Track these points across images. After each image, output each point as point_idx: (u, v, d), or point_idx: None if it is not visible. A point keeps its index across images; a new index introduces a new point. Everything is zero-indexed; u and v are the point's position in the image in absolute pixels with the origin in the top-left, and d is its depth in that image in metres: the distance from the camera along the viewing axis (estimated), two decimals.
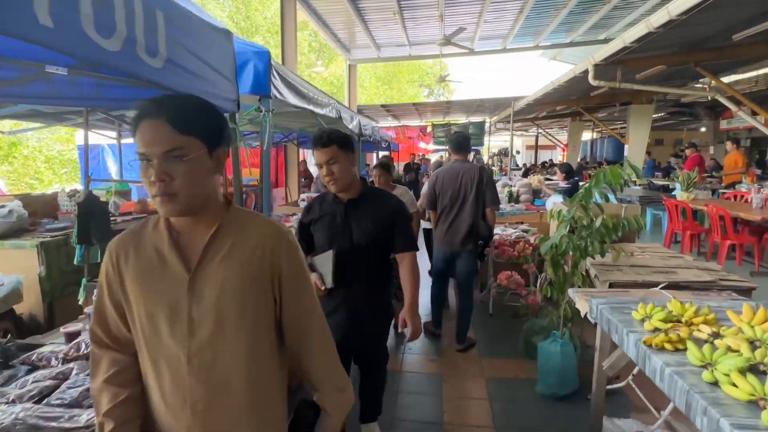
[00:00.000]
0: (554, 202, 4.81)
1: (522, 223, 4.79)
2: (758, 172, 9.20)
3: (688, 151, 10.50)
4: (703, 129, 20.44)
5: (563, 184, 5.61)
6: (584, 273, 2.96)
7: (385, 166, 3.98)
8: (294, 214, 5.11)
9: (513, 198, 5.38)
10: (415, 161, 13.08)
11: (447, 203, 3.56)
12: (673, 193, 8.16)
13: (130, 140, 7.01)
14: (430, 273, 3.97)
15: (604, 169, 2.64)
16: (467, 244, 3.52)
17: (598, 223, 2.64)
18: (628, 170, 2.65)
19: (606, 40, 11.93)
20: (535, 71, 64.85)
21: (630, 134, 11.98)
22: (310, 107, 2.67)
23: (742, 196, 6.81)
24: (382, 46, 12.61)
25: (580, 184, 5.78)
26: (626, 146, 12.13)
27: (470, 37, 11.94)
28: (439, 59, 12.81)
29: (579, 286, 2.80)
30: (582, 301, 2.37)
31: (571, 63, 15.13)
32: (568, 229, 2.80)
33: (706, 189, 7.08)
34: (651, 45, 6.41)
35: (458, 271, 3.63)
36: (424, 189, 4.04)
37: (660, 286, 2.62)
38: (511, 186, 5.55)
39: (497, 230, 4.40)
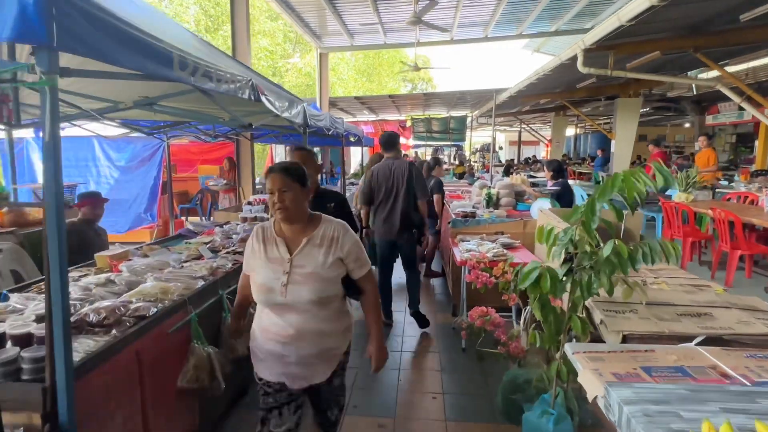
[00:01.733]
0: (540, 208, 4.01)
1: (502, 233, 3.96)
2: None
3: (650, 148, 9.95)
4: (687, 125, 20.08)
5: (551, 185, 4.83)
6: (584, 313, 2.15)
7: (294, 171, 1.74)
8: (227, 223, 4.17)
9: (492, 202, 4.55)
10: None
11: (383, 197, 3.92)
12: (667, 192, 7.48)
13: (28, 133, 5.99)
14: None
15: (618, 174, 1.82)
16: (404, 231, 3.91)
17: (607, 251, 1.82)
18: (637, 172, 1.82)
19: (592, 28, 11.24)
20: (519, 65, 63.90)
21: (617, 129, 11.36)
22: (182, 76, 1.76)
23: (746, 197, 6.14)
24: (355, 33, 11.68)
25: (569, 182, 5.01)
26: (612, 141, 11.49)
27: (449, 24, 11.11)
28: (416, 48, 11.93)
29: (576, 337, 1.99)
30: (589, 376, 1.54)
31: (553, 54, 14.43)
32: (563, 256, 1.98)
33: (708, 188, 6.38)
34: (648, 27, 5.66)
35: (402, 254, 4.04)
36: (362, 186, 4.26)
37: (696, 342, 1.82)
38: (489, 188, 4.72)
39: (471, 245, 3.57)
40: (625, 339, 1.92)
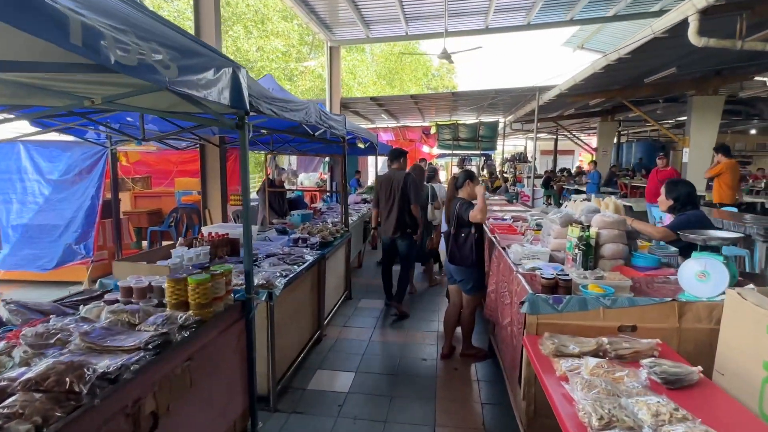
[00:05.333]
0: (703, 273, 2.01)
1: (633, 329, 1.93)
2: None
3: (660, 163, 7.98)
4: (753, 131, 17.53)
5: (668, 220, 2.81)
6: None
7: None
8: (101, 296, 2.32)
9: (588, 257, 2.44)
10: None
11: (384, 202, 4.75)
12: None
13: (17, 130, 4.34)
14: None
15: None
16: (398, 231, 4.65)
17: None
18: None
19: (661, 12, 9.13)
20: (557, 66, 56.47)
21: (692, 134, 9.20)
22: None
23: None
24: (372, 23, 9.89)
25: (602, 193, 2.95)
26: (685, 150, 9.30)
27: (484, 10, 9.21)
28: (444, 39, 10.03)
29: None
30: None
31: (600, 52, 12.30)
32: None
33: None
34: None
35: (399, 250, 4.76)
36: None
37: None
38: (584, 227, 2.63)
39: (583, 378, 1.59)
40: None
